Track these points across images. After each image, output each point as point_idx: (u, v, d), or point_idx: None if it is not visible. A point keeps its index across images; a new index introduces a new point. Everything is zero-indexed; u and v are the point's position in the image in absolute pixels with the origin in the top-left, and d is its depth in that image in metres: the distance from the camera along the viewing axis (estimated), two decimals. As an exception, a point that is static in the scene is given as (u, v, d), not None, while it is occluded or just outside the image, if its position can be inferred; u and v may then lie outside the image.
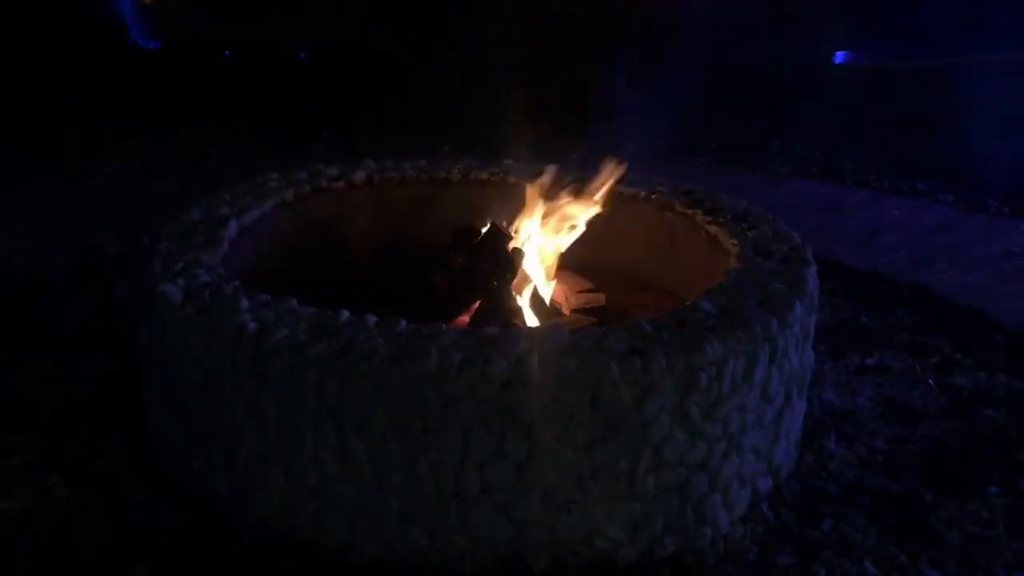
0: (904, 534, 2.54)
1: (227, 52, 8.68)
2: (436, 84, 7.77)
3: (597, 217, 3.24)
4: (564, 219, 3.26)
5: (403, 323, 2.34)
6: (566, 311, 3.22)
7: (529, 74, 7.47)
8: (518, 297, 3.07)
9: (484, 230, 3.21)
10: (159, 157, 6.60)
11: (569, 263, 3.44)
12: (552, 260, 3.29)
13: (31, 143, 6.91)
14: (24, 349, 3.51)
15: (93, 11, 8.92)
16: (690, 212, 3.31)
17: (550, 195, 3.29)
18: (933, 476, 2.80)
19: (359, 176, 3.70)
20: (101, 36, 8.94)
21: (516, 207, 3.34)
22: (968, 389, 3.34)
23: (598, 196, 3.23)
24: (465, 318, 2.95)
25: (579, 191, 3.26)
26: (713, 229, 3.13)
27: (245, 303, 2.42)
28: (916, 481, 2.79)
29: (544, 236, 3.28)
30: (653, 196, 3.50)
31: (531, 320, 3.00)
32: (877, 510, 2.64)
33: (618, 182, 3.27)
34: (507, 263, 3.06)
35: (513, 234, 3.22)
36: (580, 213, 3.24)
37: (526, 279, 3.15)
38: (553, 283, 3.29)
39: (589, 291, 3.40)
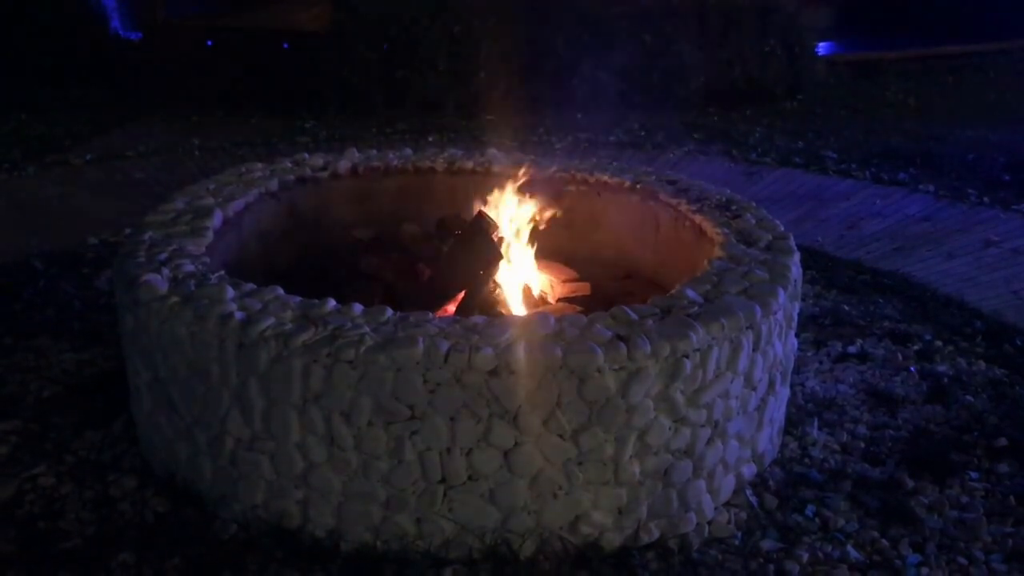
0: (885, 518, 2.58)
1: (209, 42, 8.61)
2: (421, 74, 7.74)
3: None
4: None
5: (389, 311, 2.34)
6: (552, 299, 3.23)
7: (510, 66, 7.47)
8: (504, 286, 3.08)
9: (470, 220, 3.22)
10: (141, 146, 6.56)
11: (554, 252, 3.46)
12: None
13: (11, 132, 6.85)
14: (6, 339, 3.49)
15: (75, 1, 8.84)
16: (675, 201, 3.32)
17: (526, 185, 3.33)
18: (914, 461, 2.84)
19: (344, 166, 3.69)
20: (82, 26, 8.86)
21: (500, 197, 3.36)
22: (948, 376, 3.37)
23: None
24: (451, 307, 2.95)
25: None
26: (697, 218, 3.15)
27: (231, 292, 2.42)
28: (897, 466, 2.82)
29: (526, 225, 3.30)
30: (638, 186, 3.51)
31: (517, 308, 3.01)
32: (859, 495, 2.67)
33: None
34: (493, 252, 3.07)
35: (498, 223, 3.23)
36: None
37: (512, 268, 3.16)
38: (539, 272, 3.30)
39: (574, 280, 3.41)
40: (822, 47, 9.37)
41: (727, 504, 2.58)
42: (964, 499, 2.68)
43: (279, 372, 2.23)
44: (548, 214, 3.38)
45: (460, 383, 2.15)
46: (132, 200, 5.18)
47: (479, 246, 3.09)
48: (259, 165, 3.62)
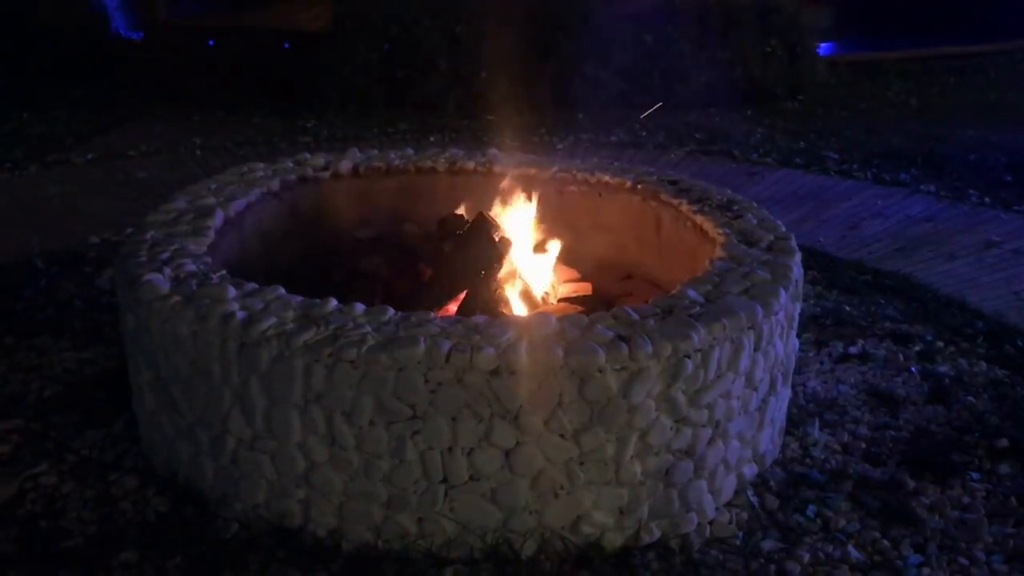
0: (886, 519, 2.58)
1: (210, 42, 8.61)
2: (422, 74, 7.74)
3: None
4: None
5: (391, 311, 2.34)
6: (553, 300, 3.23)
7: (511, 66, 7.47)
8: (505, 286, 3.08)
9: (471, 219, 3.22)
10: (142, 146, 6.56)
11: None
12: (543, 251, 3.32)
13: (12, 131, 6.85)
14: (8, 338, 3.49)
15: (75, 1, 8.85)
16: (676, 202, 3.32)
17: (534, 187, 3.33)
18: (915, 462, 2.84)
19: (345, 166, 3.69)
20: (83, 26, 8.87)
21: (502, 197, 3.35)
22: (949, 376, 3.37)
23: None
24: (452, 307, 2.95)
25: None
26: (699, 218, 3.15)
27: (232, 292, 2.42)
28: (898, 467, 2.82)
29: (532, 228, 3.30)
30: (639, 186, 3.51)
31: (518, 309, 3.01)
32: (860, 496, 2.67)
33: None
34: (494, 252, 3.07)
35: (499, 223, 3.23)
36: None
37: (513, 268, 3.16)
38: (540, 272, 3.30)
39: (575, 280, 3.41)
40: (823, 47, 9.36)
41: (728, 504, 2.58)
42: (965, 500, 2.68)
43: (281, 372, 2.23)
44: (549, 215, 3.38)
45: (462, 383, 2.15)
46: (133, 199, 5.19)
47: (480, 246, 3.09)
48: (260, 165, 3.62)
